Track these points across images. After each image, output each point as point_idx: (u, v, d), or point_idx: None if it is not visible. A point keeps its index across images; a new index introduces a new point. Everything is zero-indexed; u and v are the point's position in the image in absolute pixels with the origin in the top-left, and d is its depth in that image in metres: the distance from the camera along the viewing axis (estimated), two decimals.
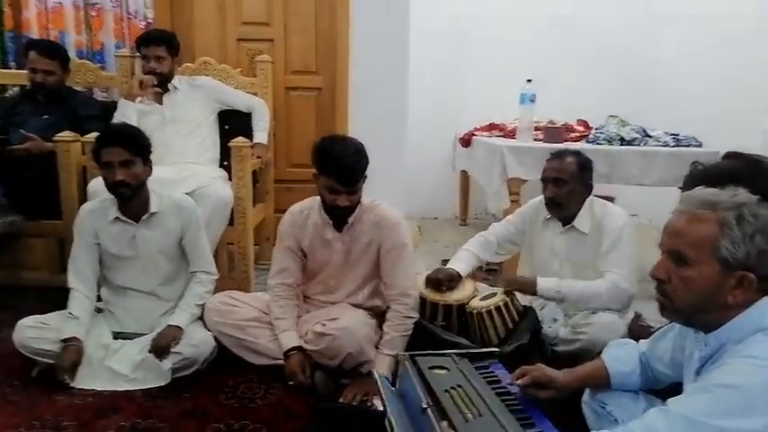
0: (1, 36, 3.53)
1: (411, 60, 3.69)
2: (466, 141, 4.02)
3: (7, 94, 3.35)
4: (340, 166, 1.90)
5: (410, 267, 2.13)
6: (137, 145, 2.05)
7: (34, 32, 3.48)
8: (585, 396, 1.56)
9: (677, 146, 3.19)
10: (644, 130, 3.30)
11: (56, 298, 2.38)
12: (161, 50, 2.94)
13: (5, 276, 2.83)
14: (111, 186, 2.04)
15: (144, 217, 2.11)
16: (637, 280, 2.09)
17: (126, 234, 2.11)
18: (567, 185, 2.11)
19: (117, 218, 2.10)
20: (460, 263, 2.33)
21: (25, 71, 3.06)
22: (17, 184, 2.75)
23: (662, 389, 1.46)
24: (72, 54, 3.40)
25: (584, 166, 2.15)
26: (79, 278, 2.11)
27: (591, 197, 2.19)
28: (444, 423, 1.28)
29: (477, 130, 4.05)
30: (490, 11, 4.52)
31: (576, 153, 2.19)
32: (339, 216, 2.04)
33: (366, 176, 2.01)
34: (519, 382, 1.46)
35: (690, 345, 1.24)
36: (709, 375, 1.11)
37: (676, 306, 1.16)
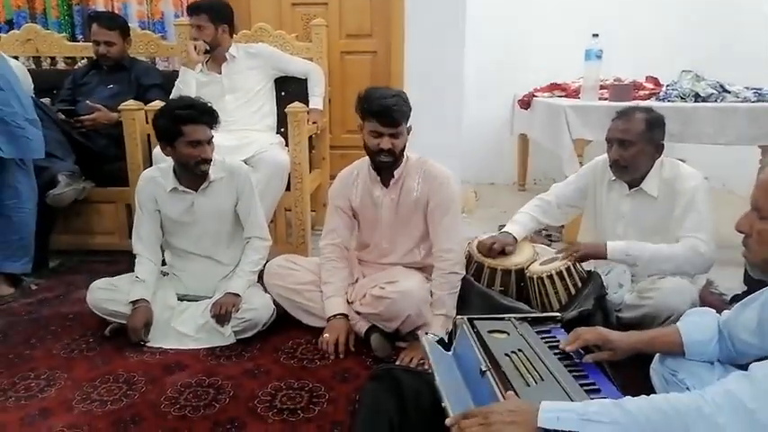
0: (69, 9, 3.66)
1: (467, 20, 3.56)
2: (525, 103, 3.87)
3: (76, 66, 3.47)
4: (381, 107, 1.92)
5: (456, 224, 2.07)
6: (214, 121, 2.08)
7: (100, 5, 3.59)
8: (655, 363, 1.49)
9: (759, 101, 2.93)
10: (721, 86, 3.05)
11: (125, 261, 2.50)
12: (202, 19, 2.92)
13: (78, 241, 2.98)
14: (198, 163, 2.06)
15: (203, 186, 2.15)
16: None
17: (184, 202, 2.16)
18: (634, 146, 1.96)
19: (175, 188, 2.14)
20: (517, 226, 2.25)
21: (91, 43, 3.17)
22: (86, 153, 2.87)
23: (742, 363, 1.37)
24: (134, 25, 3.48)
25: (654, 124, 1.97)
26: (143, 244, 2.18)
27: (661, 158, 2.03)
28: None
29: (537, 90, 3.89)
30: None
31: (646, 110, 2.02)
32: (384, 164, 2.01)
33: (410, 127, 2.03)
34: (569, 347, 1.41)
35: None
36: None
37: (753, 261, 1.10)
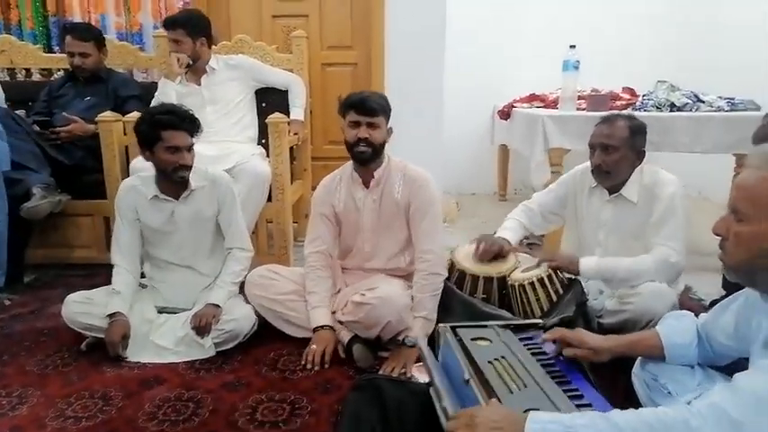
0: (45, 21, 3.62)
1: (447, 33, 3.60)
2: (505, 114, 3.91)
3: (52, 78, 3.42)
4: (358, 97, 2.02)
5: (436, 226, 2.09)
6: (195, 129, 2.07)
7: (77, 16, 3.56)
8: (636, 368, 1.50)
9: (732, 110, 3.00)
10: (695, 95, 3.12)
11: (103, 275, 2.45)
12: (179, 34, 2.90)
13: (55, 254, 2.92)
14: (176, 169, 2.04)
15: (184, 194, 2.13)
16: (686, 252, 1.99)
17: (164, 211, 2.13)
18: (617, 152, 1.98)
19: (156, 196, 2.12)
20: (509, 232, 2.27)
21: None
22: (63, 165, 2.82)
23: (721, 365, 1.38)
24: (112, 36, 3.46)
25: (637, 131, 2.00)
26: (122, 254, 2.14)
27: (641, 164, 2.05)
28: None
29: (516, 101, 3.93)
30: None
31: (629, 117, 2.05)
32: (363, 156, 2.03)
33: (391, 129, 2.09)
34: (546, 336, 1.45)
35: (757, 314, 1.15)
36: None
37: (729, 263, 1.11)
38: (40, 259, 2.89)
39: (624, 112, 2.92)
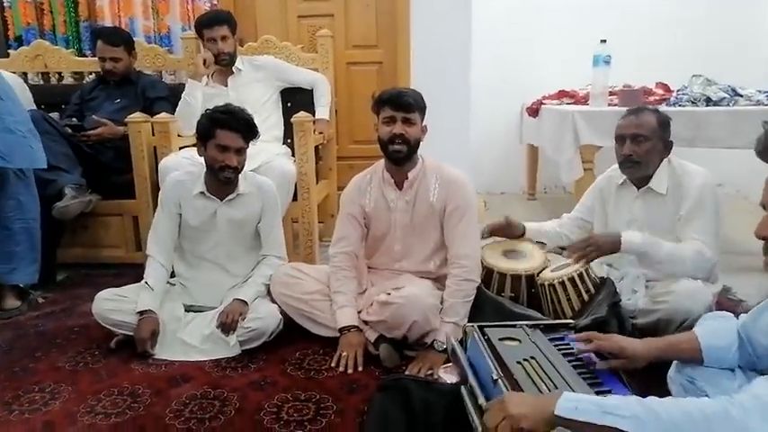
0: (77, 26, 3.70)
1: (474, 29, 3.56)
2: (534, 111, 3.84)
3: (84, 81, 3.49)
4: (393, 92, 2.00)
5: (473, 230, 2.05)
6: (252, 134, 2.09)
7: (107, 20, 3.62)
8: (672, 371, 1.44)
9: None
10: (732, 89, 3.01)
11: (131, 274, 2.48)
12: (225, 30, 2.97)
13: (85, 254, 2.97)
14: (221, 168, 2.06)
15: (230, 197, 2.15)
16: (720, 251, 1.93)
17: (207, 209, 2.15)
18: (648, 141, 1.94)
19: (202, 192, 2.14)
20: (532, 223, 2.28)
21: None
22: (93, 166, 2.87)
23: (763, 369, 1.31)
24: (141, 39, 3.51)
25: (664, 122, 1.98)
26: (158, 246, 2.17)
27: (669, 156, 2.01)
28: None
29: (545, 98, 3.86)
30: None
31: (655, 110, 2.03)
32: (398, 155, 1.99)
33: (426, 127, 2.05)
34: (582, 347, 1.39)
35: None
36: None
37: None
38: (71, 258, 2.94)
39: (649, 105, 2.87)
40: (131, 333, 2.00)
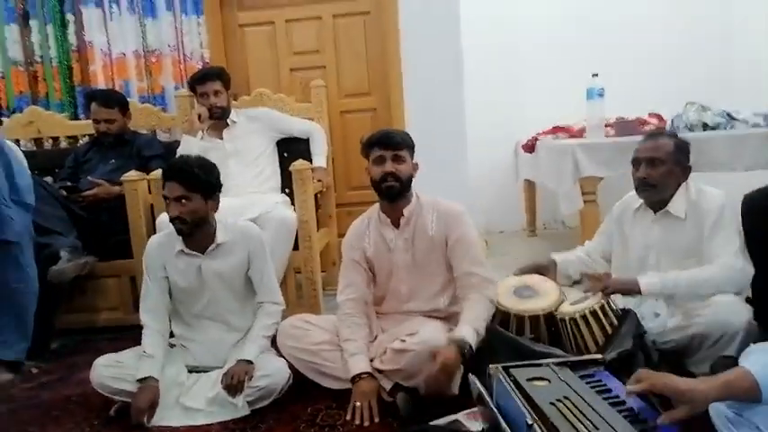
0: (71, 91, 3.71)
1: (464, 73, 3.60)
2: (530, 147, 3.84)
3: (78, 144, 3.48)
4: (380, 134, 2.03)
5: (482, 257, 2.02)
6: (192, 180, 1.97)
7: (101, 83, 3.62)
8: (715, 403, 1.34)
9: None
10: (728, 114, 3.03)
11: (130, 338, 2.37)
12: (217, 85, 2.98)
13: (81, 319, 2.87)
14: (170, 221, 2.01)
15: (210, 248, 2.07)
16: None
17: (191, 266, 2.07)
18: (663, 165, 1.93)
19: (182, 250, 2.06)
20: (560, 255, 2.24)
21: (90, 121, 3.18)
22: (89, 228, 2.80)
23: None
24: (135, 99, 3.52)
25: (682, 147, 1.98)
26: (151, 314, 2.07)
27: (686, 181, 1.98)
28: None
29: (540, 134, 3.86)
30: (539, 11, 4.40)
31: (673, 134, 2.05)
32: (391, 191, 1.98)
33: (417, 164, 2.06)
34: (633, 388, 1.25)
35: None
36: None
37: None
38: (66, 324, 2.83)
39: (687, 137, 2.88)
40: (132, 401, 1.88)
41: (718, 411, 1.32)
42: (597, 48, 4.21)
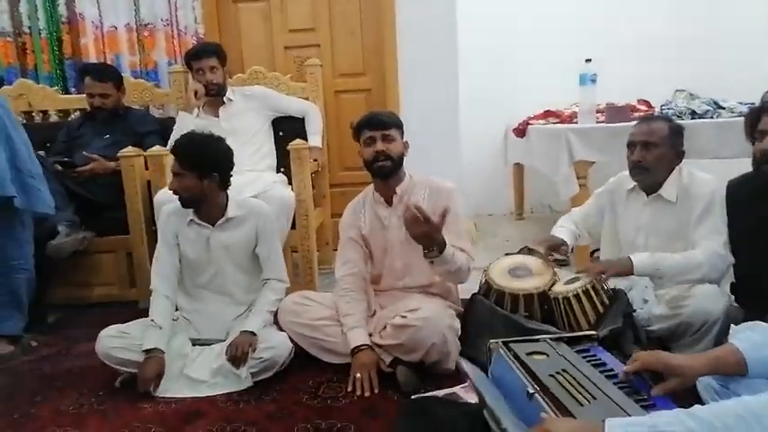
0: (61, 64, 3.66)
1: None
2: (521, 131, 3.89)
3: (70, 118, 3.44)
4: (368, 116, 2.11)
5: (465, 233, 2.12)
6: (184, 159, 2.04)
7: (92, 57, 3.59)
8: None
9: None
10: (715, 102, 3.11)
11: (126, 312, 2.42)
12: (213, 61, 2.98)
13: (77, 294, 2.89)
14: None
15: (219, 221, 2.12)
16: None
17: (201, 236, 2.13)
18: (657, 149, 1.99)
19: (192, 220, 2.12)
20: (563, 231, 2.28)
21: (83, 95, 3.15)
22: (85, 203, 2.80)
23: None
24: (127, 74, 3.48)
25: (676, 131, 2.03)
26: (162, 278, 2.12)
27: (679, 165, 2.05)
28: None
29: (531, 119, 3.92)
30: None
31: (668, 118, 2.10)
32: (383, 170, 2.05)
33: (407, 142, 2.14)
34: (629, 369, 1.32)
35: None
36: None
37: None
38: (61, 299, 2.85)
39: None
40: (137, 371, 1.93)
41: (705, 384, 1.42)
42: (589, 33, 4.26)
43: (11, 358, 2.29)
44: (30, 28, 3.64)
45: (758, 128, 1.78)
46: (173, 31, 3.61)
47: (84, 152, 2.90)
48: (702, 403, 1.35)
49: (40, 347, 2.41)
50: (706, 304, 1.78)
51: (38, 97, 3.39)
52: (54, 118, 3.50)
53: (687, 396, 1.39)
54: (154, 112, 3.55)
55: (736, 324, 1.68)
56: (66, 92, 3.62)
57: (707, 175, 2.04)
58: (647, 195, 2.08)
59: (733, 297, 1.91)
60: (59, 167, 2.79)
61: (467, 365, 1.55)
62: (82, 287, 2.89)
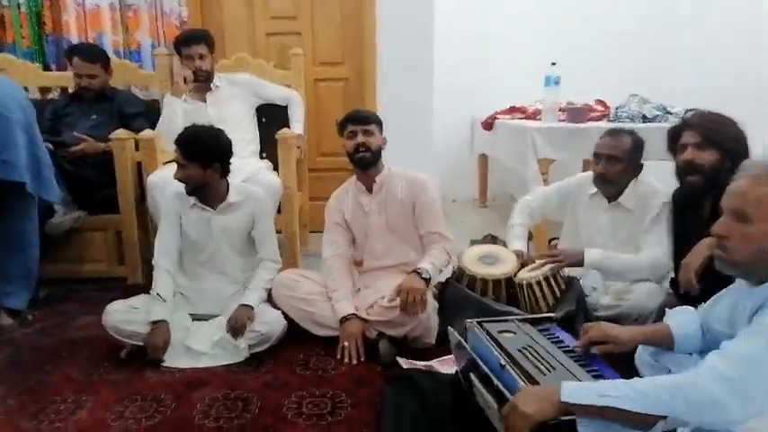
0: (41, 40, 3.66)
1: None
2: (488, 125, 4.15)
3: (50, 96, 3.48)
4: (351, 113, 2.40)
5: (442, 218, 2.43)
6: (188, 151, 2.22)
7: (73, 35, 3.61)
8: (639, 353, 1.72)
9: None
10: (664, 108, 3.42)
11: (115, 288, 2.57)
12: (202, 48, 3.07)
13: (66, 269, 3.00)
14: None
15: (221, 205, 2.30)
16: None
17: (202, 219, 2.31)
18: (620, 163, 2.20)
19: (194, 204, 2.30)
20: (520, 242, 2.48)
21: (66, 73, 3.21)
22: (76, 182, 2.91)
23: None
24: (109, 54, 3.52)
25: (638, 146, 2.23)
26: (165, 254, 2.30)
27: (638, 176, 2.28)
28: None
29: (498, 113, 4.17)
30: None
31: (631, 132, 2.27)
32: (364, 161, 2.32)
33: (385, 138, 2.40)
34: (580, 344, 1.61)
35: (743, 300, 1.38)
36: (762, 320, 1.26)
37: (736, 260, 1.30)
38: (52, 274, 2.94)
39: (597, 124, 3.23)
40: (143, 343, 2.10)
41: (641, 358, 1.71)
42: (556, 36, 4.53)
43: (11, 330, 2.41)
44: (9, 0, 3.62)
45: (680, 142, 2.04)
46: (156, 13, 3.66)
47: (74, 132, 2.97)
48: (641, 377, 1.67)
49: (35, 321, 2.54)
50: (644, 300, 2.07)
51: (19, 72, 3.38)
52: (35, 95, 3.52)
53: (629, 371, 1.69)
54: (138, 93, 3.61)
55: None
56: (47, 68, 3.64)
57: (661, 186, 2.26)
58: (609, 202, 2.31)
59: (672, 291, 2.21)
60: (51, 146, 2.86)
61: (460, 338, 1.79)
62: (72, 263, 3.00)
